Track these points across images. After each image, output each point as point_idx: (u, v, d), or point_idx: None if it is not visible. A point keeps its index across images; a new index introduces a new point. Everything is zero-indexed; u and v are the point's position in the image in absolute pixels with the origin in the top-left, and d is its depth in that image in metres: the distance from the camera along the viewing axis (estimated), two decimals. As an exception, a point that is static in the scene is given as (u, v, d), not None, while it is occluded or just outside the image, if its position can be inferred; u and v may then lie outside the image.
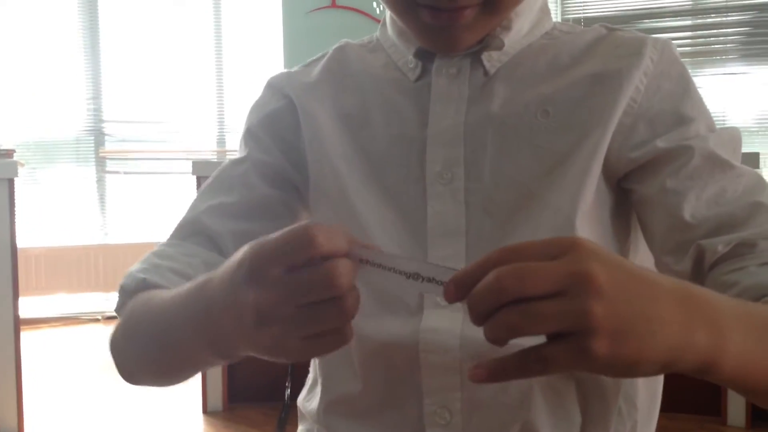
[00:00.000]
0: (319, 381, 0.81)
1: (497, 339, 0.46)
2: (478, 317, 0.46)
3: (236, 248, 0.73)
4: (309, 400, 0.83)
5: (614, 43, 0.75)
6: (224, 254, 0.75)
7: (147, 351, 0.69)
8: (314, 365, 0.83)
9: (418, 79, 0.77)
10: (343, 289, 0.49)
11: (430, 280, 0.51)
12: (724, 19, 4.63)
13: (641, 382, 0.74)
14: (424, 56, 0.77)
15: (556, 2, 4.83)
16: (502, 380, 0.47)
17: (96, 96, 5.47)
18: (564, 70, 0.74)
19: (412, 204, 0.74)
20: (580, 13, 4.83)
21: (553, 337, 0.45)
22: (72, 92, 5.42)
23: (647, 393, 0.75)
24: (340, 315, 0.50)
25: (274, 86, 0.84)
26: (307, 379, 0.85)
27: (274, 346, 0.51)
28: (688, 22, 4.73)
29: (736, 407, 2.81)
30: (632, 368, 0.45)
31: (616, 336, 0.44)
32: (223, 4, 5.50)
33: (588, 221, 0.69)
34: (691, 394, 2.79)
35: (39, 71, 5.33)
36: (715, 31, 4.67)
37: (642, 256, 0.75)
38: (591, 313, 0.43)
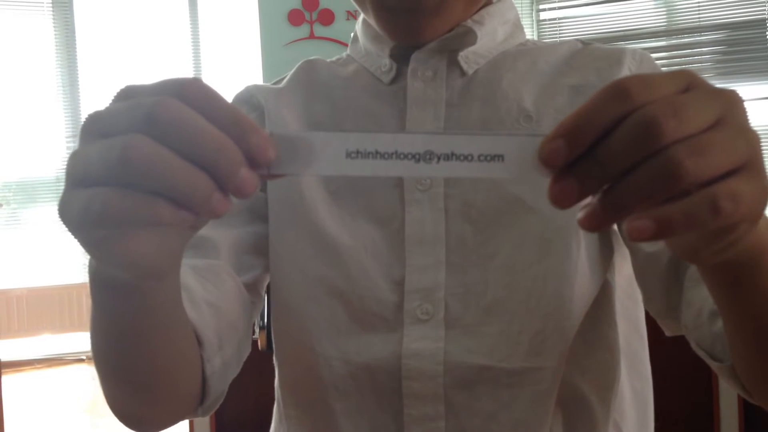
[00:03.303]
0: (284, 413, 0.76)
1: (653, 193, 0.35)
2: (611, 175, 0.36)
3: (234, 254, 0.71)
4: None
5: (592, 56, 0.74)
6: (223, 259, 0.70)
7: (106, 353, 0.55)
8: (278, 393, 0.78)
9: (393, 82, 0.75)
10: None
11: (449, 157, 0.36)
12: (698, 38, 4.68)
13: (629, 407, 0.72)
14: (399, 58, 0.74)
15: (532, 25, 4.87)
16: (666, 236, 0.36)
17: (75, 134, 5.45)
18: (544, 78, 0.73)
19: (388, 212, 0.71)
20: (555, 35, 4.87)
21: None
22: (51, 131, 5.39)
23: (636, 417, 0.73)
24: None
25: (240, 100, 0.80)
26: (274, 410, 0.79)
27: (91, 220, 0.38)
28: (663, 43, 4.78)
29: (729, 418, 2.79)
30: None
31: None
32: (201, 40, 5.51)
33: (577, 227, 0.67)
34: (683, 409, 2.77)
35: (17, 111, 5.30)
36: (689, 50, 4.72)
37: (618, 270, 0.72)
38: (757, 138, 0.37)
